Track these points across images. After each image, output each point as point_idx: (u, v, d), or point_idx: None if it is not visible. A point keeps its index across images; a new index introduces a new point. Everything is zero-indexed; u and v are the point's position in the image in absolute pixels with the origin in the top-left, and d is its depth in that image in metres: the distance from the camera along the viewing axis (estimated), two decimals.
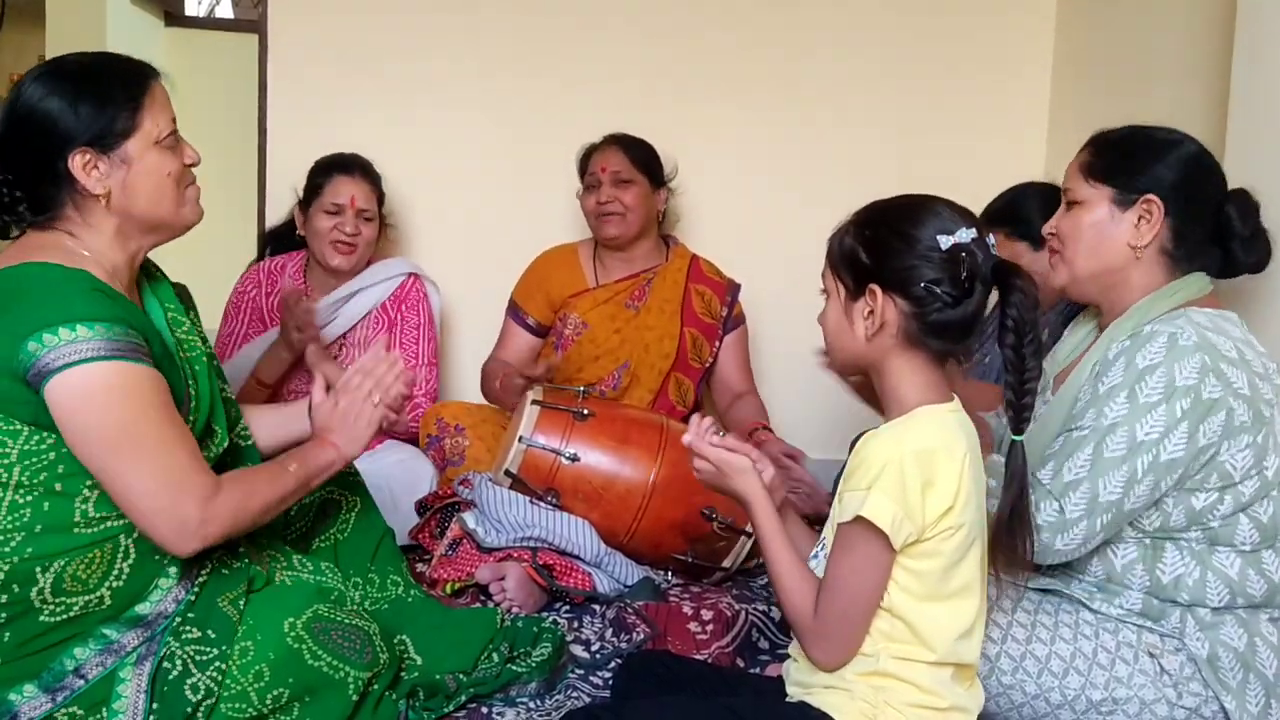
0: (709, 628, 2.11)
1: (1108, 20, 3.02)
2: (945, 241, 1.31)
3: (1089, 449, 1.53)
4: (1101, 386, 1.55)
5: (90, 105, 1.52)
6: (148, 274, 1.68)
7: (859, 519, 1.29)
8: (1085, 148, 1.70)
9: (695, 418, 1.54)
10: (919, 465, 1.29)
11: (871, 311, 1.35)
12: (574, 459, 2.32)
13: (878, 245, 1.35)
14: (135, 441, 1.44)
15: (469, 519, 2.34)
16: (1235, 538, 1.57)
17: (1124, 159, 1.65)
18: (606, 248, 2.84)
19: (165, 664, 1.51)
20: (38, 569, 1.46)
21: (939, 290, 1.31)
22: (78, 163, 1.52)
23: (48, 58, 4.32)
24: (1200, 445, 1.51)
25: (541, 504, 2.32)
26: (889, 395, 1.38)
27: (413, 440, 2.74)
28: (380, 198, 2.82)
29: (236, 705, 1.52)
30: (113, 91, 1.54)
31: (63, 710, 1.48)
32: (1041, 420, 1.68)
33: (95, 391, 1.42)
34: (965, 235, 1.32)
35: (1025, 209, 2.33)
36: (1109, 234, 1.64)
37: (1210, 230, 1.64)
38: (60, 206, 1.54)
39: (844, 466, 2.57)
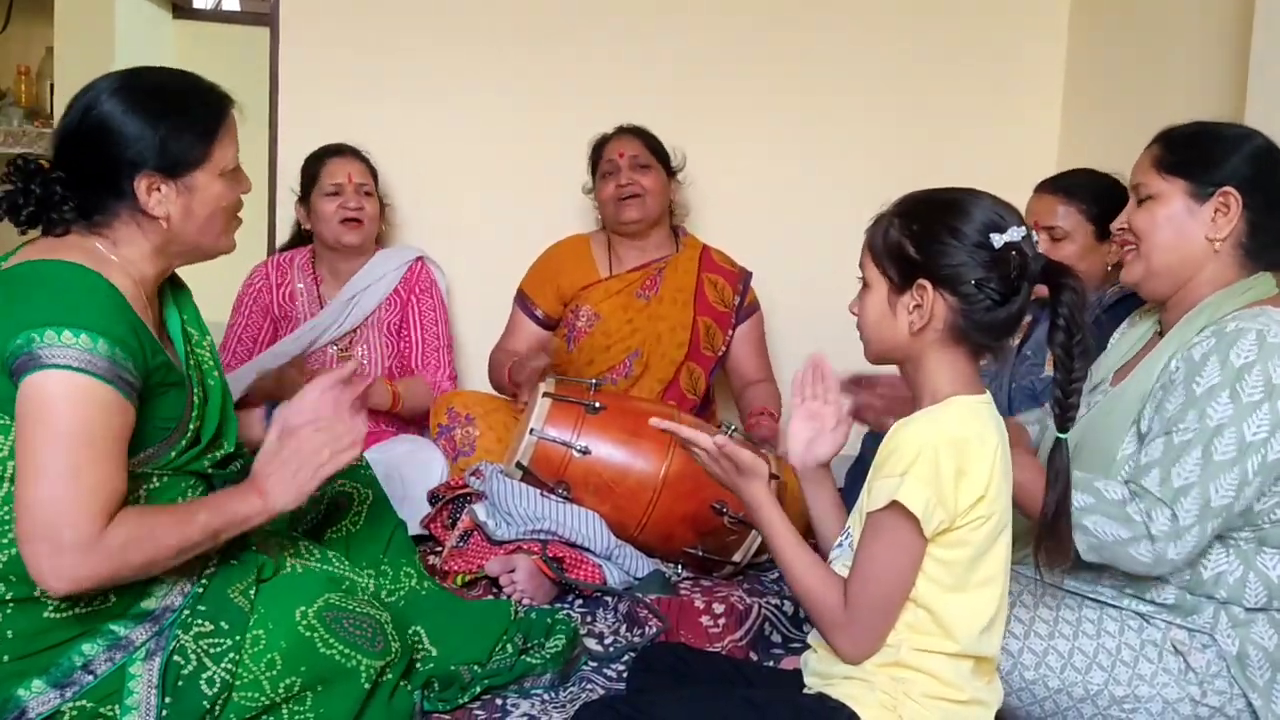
0: (721, 621, 2.10)
1: (1122, 7, 3.00)
2: (997, 240, 1.30)
3: (1197, 452, 1.49)
4: (1198, 387, 1.50)
5: (168, 131, 1.50)
6: (174, 284, 1.66)
7: (893, 504, 1.28)
8: (1154, 143, 1.67)
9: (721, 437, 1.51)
10: (952, 453, 1.28)
11: (919, 306, 1.34)
12: (585, 452, 2.32)
13: (926, 240, 1.33)
14: (60, 454, 1.36)
15: (480, 511, 2.33)
16: None
17: (1198, 152, 1.62)
18: (623, 235, 2.83)
19: (177, 658, 1.50)
20: None
21: (988, 288, 1.30)
22: (143, 185, 1.50)
23: (56, 50, 4.30)
24: None
25: (552, 496, 2.31)
26: (922, 385, 1.37)
27: (423, 430, 2.74)
28: (375, 175, 2.87)
29: (249, 694, 1.51)
30: (192, 119, 1.53)
31: (72, 705, 1.46)
32: (1101, 411, 1.66)
33: (61, 398, 1.37)
34: (1016, 234, 1.31)
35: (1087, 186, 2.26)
36: (1186, 228, 1.61)
37: None
38: (110, 217, 1.52)
39: (853, 462, 2.58)
